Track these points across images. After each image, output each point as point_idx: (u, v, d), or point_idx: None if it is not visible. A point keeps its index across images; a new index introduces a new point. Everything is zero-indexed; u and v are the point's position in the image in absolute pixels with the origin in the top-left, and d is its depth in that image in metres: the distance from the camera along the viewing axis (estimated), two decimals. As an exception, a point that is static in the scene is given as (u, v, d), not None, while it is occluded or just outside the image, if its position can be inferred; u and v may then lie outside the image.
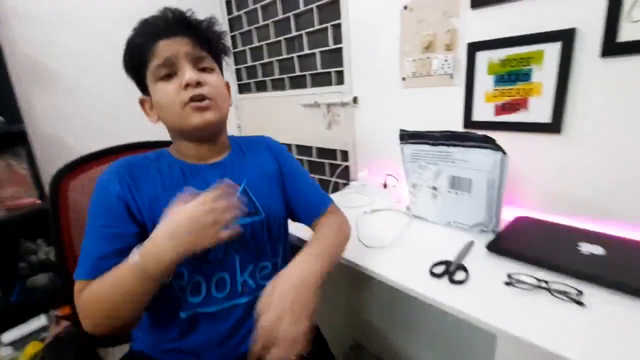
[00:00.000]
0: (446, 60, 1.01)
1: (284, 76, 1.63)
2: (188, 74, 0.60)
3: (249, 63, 1.81)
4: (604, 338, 0.50)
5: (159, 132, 0.76)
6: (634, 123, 0.75)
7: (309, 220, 0.76)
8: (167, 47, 0.60)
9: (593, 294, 0.59)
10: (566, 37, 0.79)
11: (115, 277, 0.53)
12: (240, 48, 1.84)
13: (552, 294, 0.61)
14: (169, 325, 0.64)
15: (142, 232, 0.60)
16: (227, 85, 0.72)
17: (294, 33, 1.50)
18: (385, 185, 1.21)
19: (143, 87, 0.66)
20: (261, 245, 0.69)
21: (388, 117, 1.21)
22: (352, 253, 0.79)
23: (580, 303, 0.58)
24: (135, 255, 0.52)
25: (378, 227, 0.96)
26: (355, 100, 1.31)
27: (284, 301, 0.51)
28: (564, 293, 0.60)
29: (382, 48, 1.17)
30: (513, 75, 0.89)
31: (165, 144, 0.78)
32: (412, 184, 1.00)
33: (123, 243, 0.58)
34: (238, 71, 1.91)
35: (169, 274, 0.53)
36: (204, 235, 0.51)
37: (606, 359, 0.47)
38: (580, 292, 0.59)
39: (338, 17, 1.27)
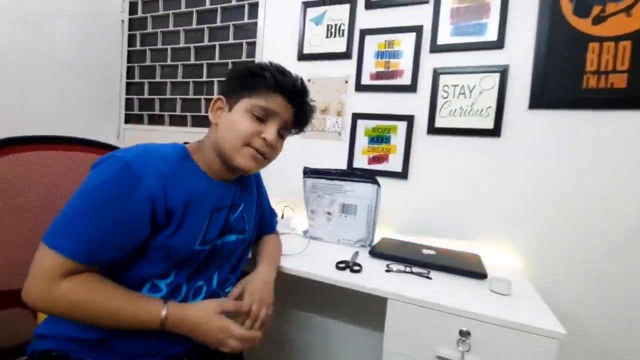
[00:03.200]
0: (337, 122, 1.38)
1: (186, 113, 1.70)
2: (271, 135, 0.69)
3: (146, 95, 1.80)
4: (440, 292, 0.81)
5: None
6: (443, 173, 1.23)
7: (263, 234, 0.96)
8: (279, 104, 0.69)
9: (433, 274, 0.93)
10: (409, 119, 1.27)
11: (122, 308, 0.58)
12: (137, 80, 1.82)
13: (414, 274, 0.91)
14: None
15: (151, 234, 0.62)
16: None
17: (204, 78, 1.66)
18: (282, 216, 1.39)
19: (227, 92, 0.71)
20: (237, 260, 0.81)
21: (288, 159, 1.45)
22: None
23: (429, 278, 0.90)
24: (162, 312, 0.60)
25: (283, 247, 1.12)
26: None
27: (258, 293, 0.72)
28: (420, 274, 0.91)
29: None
30: (380, 138, 1.32)
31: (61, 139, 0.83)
32: (311, 210, 1.23)
33: (135, 240, 0.60)
34: (130, 100, 1.85)
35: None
36: (210, 343, 0.64)
37: (442, 301, 0.77)
38: (428, 273, 0.92)
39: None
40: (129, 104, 1.87)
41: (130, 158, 0.59)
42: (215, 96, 0.74)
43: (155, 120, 1.81)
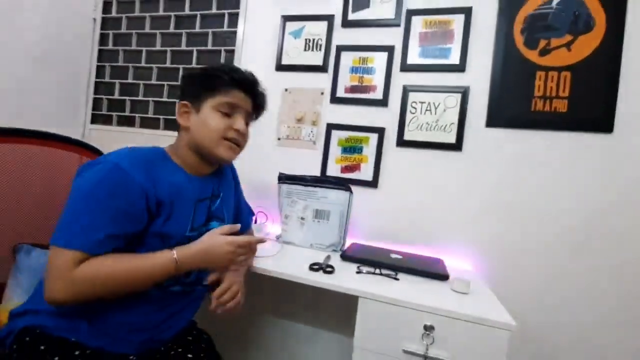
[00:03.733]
0: (312, 131, 1.43)
1: (159, 116, 1.68)
2: (241, 125, 0.80)
3: (116, 96, 1.76)
4: (406, 291, 0.87)
5: None
6: (411, 183, 1.32)
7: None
8: (240, 98, 0.80)
9: (401, 275, 0.99)
10: (380, 132, 1.35)
11: (136, 267, 0.65)
12: (107, 80, 1.78)
13: (382, 276, 0.97)
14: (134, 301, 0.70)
15: (147, 223, 0.69)
16: None
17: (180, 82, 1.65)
18: (255, 221, 1.41)
19: (189, 97, 0.79)
20: None
21: (264, 166, 1.48)
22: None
23: (396, 279, 0.95)
24: (173, 254, 0.68)
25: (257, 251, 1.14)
26: (234, 148, 1.53)
27: (236, 279, 0.83)
28: (388, 275, 0.97)
29: (264, 114, 1.49)
30: (352, 148, 1.38)
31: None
32: (285, 215, 1.26)
33: (134, 229, 0.67)
34: (98, 100, 1.80)
35: (180, 276, 0.74)
36: (220, 263, 0.76)
37: (408, 298, 0.82)
38: (395, 274, 0.98)
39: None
40: (97, 104, 1.81)
41: (118, 160, 0.67)
42: (178, 102, 0.81)
43: (125, 121, 1.76)
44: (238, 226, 0.80)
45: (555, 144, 1.18)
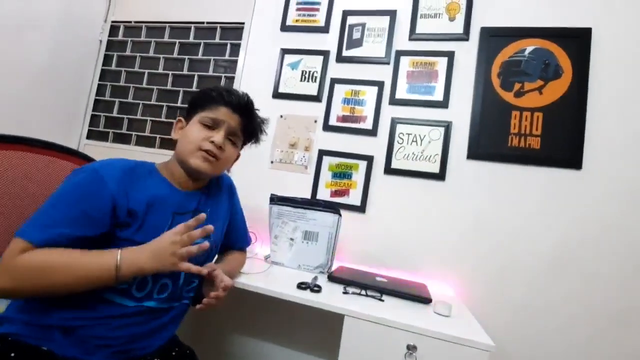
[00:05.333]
0: (304, 156, 1.49)
1: (156, 135, 1.72)
2: (219, 138, 0.80)
3: (115, 114, 1.81)
4: (391, 312, 0.90)
5: None
6: (397, 209, 1.37)
7: (233, 247, 1.04)
8: (224, 114, 0.82)
9: (386, 297, 1.01)
10: (369, 159, 1.42)
11: (76, 259, 0.62)
12: (107, 98, 1.83)
13: (368, 297, 0.99)
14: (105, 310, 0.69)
15: (108, 233, 0.69)
16: (237, 156, 0.94)
17: (179, 104, 1.72)
18: (245, 242, 1.42)
19: (186, 114, 0.85)
20: (202, 264, 0.84)
21: (256, 188, 1.52)
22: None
23: (381, 300, 0.98)
24: (117, 255, 0.64)
25: (245, 268, 1.15)
26: (228, 169, 1.57)
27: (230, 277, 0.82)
28: (373, 296, 1.00)
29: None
30: (342, 174, 1.45)
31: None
32: (275, 235, 1.28)
33: (92, 233, 0.66)
34: (96, 117, 1.84)
35: (128, 282, 0.68)
36: (166, 260, 0.66)
37: (392, 318, 0.85)
38: (381, 296, 1.00)
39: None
40: (95, 121, 1.85)
41: (98, 166, 0.71)
42: (177, 120, 0.87)
43: (121, 139, 1.80)
44: (202, 216, 0.70)
45: (530, 178, 1.27)
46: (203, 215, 0.70)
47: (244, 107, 0.85)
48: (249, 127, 0.88)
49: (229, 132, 0.83)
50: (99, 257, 0.64)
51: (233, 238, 1.02)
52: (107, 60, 1.88)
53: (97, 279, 0.63)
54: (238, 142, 0.88)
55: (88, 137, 1.83)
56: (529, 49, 1.33)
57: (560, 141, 1.25)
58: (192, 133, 0.80)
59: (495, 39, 1.36)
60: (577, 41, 1.28)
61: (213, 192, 0.92)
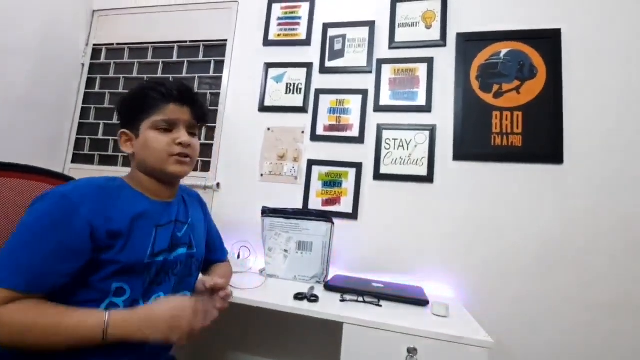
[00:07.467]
0: (293, 167, 1.50)
1: (143, 155, 1.71)
2: (184, 137, 0.76)
3: (100, 136, 1.79)
4: (389, 316, 0.90)
5: None
6: (388, 213, 1.39)
7: (214, 260, 1.01)
8: (175, 111, 0.75)
9: (383, 302, 1.01)
10: (358, 166, 1.44)
11: (62, 320, 0.57)
12: (92, 120, 1.82)
13: (365, 303, 0.99)
14: None
15: (93, 259, 0.64)
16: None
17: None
18: (238, 256, 1.41)
19: (128, 124, 0.76)
20: (187, 277, 0.83)
21: (247, 201, 1.52)
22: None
23: (379, 305, 0.98)
24: (106, 317, 0.58)
25: (240, 283, 1.14)
26: (218, 185, 1.57)
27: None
28: (371, 302, 1.00)
29: (247, 151, 1.57)
30: (332, 182, 1.46)
31: None
32: (269, 247, 1.28)
33: (77, 264, 0.61)
34: (81, 140, 1.82)
35: (116, 344, 0.59)
36: (160, 333, 0.61)
37: (392, 322, 0.85)
38: (378, 302, 1.00)
39: (214, 121, 1.62)
40: (80, 144, 1.82)
41: (65, 191, 0.64)
42: (119, 133, 0.79)
43: (107, 161, 1.78)
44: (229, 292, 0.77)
45: (515, 174, 1.30)
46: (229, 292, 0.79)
47: (187, 96, 0.78)
48: (200, 113, 0.82)
49: (188, 127, 0.78)
50: (85, 319, 0.58)
51: (213, 250, 1.01)
52: (90, 83, 1.87)
53: (82, 340, 0.58)
54: (197, 131, 0.84)
55: (73, 161, 1.80)
56: (504, 51, 1.38)
57: (541, 138, 1.29)
58: (152, 142, 0.74)
59: (471, 43, 1.41)
60: (548, 41, 1.34)
61: (188, 202, 0.89)
